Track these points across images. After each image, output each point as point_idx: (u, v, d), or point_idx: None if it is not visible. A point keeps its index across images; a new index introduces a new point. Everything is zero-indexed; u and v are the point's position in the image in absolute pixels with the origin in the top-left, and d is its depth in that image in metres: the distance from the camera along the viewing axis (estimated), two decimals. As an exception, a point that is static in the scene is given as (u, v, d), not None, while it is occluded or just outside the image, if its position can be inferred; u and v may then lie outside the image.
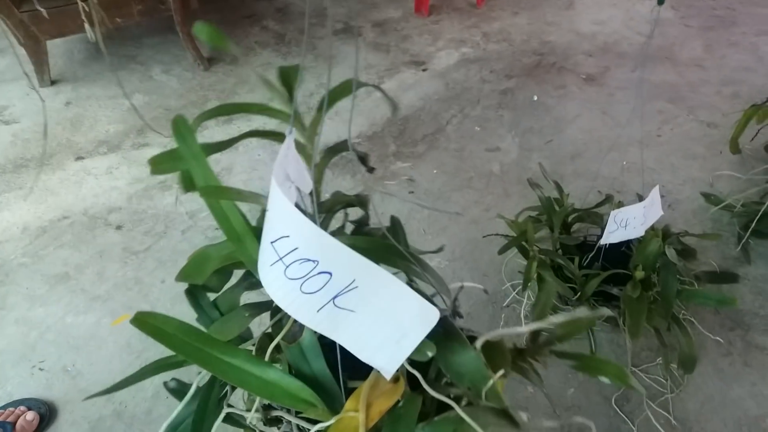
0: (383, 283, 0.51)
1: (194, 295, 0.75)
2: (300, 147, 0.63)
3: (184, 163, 0.60)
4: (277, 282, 0.50)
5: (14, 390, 1.26)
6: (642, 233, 1.19)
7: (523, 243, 1.29)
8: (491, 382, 0.57)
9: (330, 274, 0.49)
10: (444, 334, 0.59)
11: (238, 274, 0.74)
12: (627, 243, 1.28)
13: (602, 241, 1.20)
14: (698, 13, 3.02)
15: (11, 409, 1.18)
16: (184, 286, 0.72)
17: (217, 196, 0.62)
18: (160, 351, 1.29)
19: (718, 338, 1.32)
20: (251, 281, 0.73)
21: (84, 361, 1.32)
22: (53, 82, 2.37)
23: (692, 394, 1.23)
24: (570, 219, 1.40)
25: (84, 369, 1.30)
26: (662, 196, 1.14)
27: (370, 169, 0.80)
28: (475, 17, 3.00)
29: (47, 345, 1.35)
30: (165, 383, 0.78)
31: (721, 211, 1.64)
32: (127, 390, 1.25)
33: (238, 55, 2.57)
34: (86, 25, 1.67)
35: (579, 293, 1.23)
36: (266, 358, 0.66)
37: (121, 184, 1.84)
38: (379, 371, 0.57)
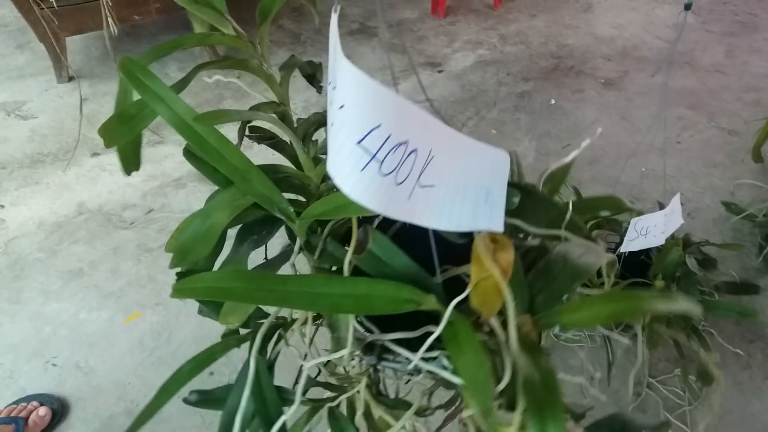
0: (452, 142, 0.48)
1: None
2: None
3: (142, 115, 0.57)
4: (372, 186, 0.45)
5: (27, 385, 1.26)
6: (662, 242, 1.17)
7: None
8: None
9: (415, 151, 0.45)
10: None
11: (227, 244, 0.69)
12: (646, 251, 1.26)
13: (622, 249, 1.18)
14: (719, 18, 2.98)
15: (24, 404, 1.18)
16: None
17: (214, 120, 0.57)
18: (172, 349, 1.30)
19: (738, 350, 1.30)
20: (252, 238, 0.68)
21: (96, 358, 1.32)
22: (70, 79, 2.38)
23: (710, 407, 1.21)
24: (589, 225, 1.38)
25: (96, 366, 1.30)
26: (682, 204, 1.12)
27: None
28: (492, 19, 2.99)
29: (60, 341, 1.35)
30: (184, 399, 0.74)
31: (742, 221, 1.61)
32: (139, 387, 1.24)
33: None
34: (108, 21, 1.66)
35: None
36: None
37: (135, 181, 1.84)
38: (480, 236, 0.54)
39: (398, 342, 0.61)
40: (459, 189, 0.51)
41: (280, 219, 0.65)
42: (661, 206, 1.18)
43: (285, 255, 0.69)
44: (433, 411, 0.72)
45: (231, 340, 0.72)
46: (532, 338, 0.58)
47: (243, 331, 0.72)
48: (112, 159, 1.93)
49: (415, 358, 0.57)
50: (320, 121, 0.83)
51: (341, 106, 0.43)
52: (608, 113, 2.22)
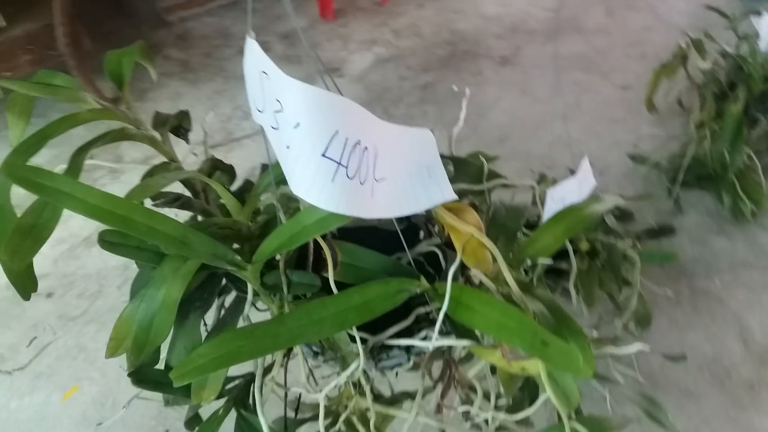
0: (387, 133, 0.50)
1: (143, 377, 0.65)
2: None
3: (44, 221, 0.54)
4: (344, 192, 0.47)
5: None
6: (580, 205, 1.23)
7: (471, 234, 1.32)
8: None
9: (366, 148, 0.47)
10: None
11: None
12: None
13: (544, 219, 1.23)
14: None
15: None
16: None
17: (147, 194, 0.56)
18: (119, 416, 1.24)
19: (667, 291, 1.38)
20: (196, 305, 0.64)
21: (38, 444, 1.24)
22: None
23: (653, 348, 1.29)
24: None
25: (40, 452, 1.23)
26: (591, 164, 1.19)
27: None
28: (382, 15, 3.02)
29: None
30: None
31: (650, 170, 1.71)
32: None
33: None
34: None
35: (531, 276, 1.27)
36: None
37: (43, 249, 1.75)
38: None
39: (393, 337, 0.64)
40: (405, 174, 0.54)
41: (220, 277, 0.64)
42: (572, 172, 1.24)
43: (234, 309, 0.68)
44: (433, 387, 0.75)
45: (218, 414, 0.71)
46: (521, 279, 0.63)
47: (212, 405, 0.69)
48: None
49: (432, 343, 0.59)
50: (212, 167, 0.82)
51: (296, 125, 0.44)
52: (508, 90, 2.30)
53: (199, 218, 0.77)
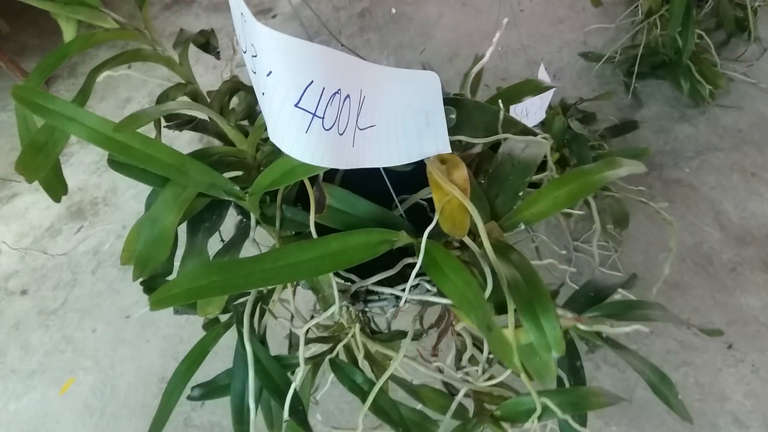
0: (380, 77, 0.48)
1: (154, 285, 0.68)
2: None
3: (54, 140, 0.56)
4: (319, 144, 0.45)
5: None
6: (544, 116, 1.21)
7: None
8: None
9: (349, 96, 0.45)
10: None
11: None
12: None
13: (510, 136, 1.20)
14: None
15: None
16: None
17: (134, 126, 0.55)
18: (121, 401, 1.24)
19: (640, 187, 1.38)
20: (204, 226, 0.67)
21: (47, 442, 1.24)
22: None
23: (634, 246, 1.30)
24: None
25: (50, 450, 1.23)
26: (546, 70, 1.16)
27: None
28: (306, -55, 2.88)
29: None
30: (189, 397, 0.74)
31: (603, 65, 1.68)
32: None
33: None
34: None
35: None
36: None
37: (5, 248, 1.69)
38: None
39: (380, 282, 0.62)
40: (399, 121, 0.52)
41: (228, 200, 0.64)
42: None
43: (242, 233, 0.69)
44: (427, 331, 0.75)
45: (218, 328, 0.73)
46: (503, 242, 0.60)
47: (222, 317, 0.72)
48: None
49: (404, 295, 0.59)
50: (232, 88, 0.80)
51: (269, 73, 0.42)
52: (448, 4, 2.22)
53: (216, 142, 0.77)
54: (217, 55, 0.83)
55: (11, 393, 1.34)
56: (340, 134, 0.46)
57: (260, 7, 2.49)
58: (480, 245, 0.57)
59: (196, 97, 0.78)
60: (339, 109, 0.45)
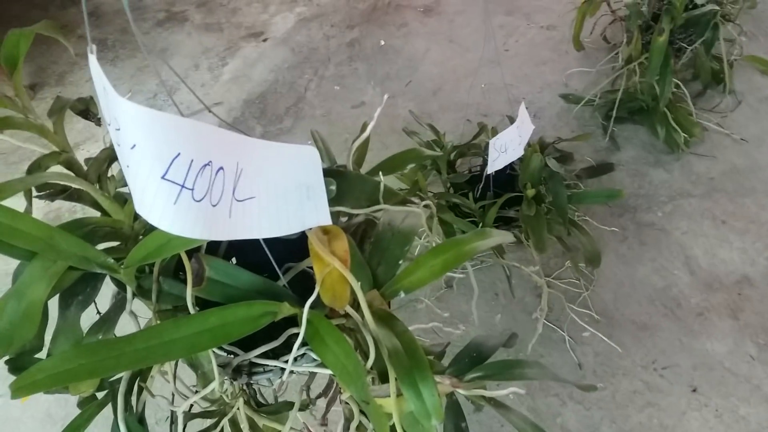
0: (258, 152, 0.48)
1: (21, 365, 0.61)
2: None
3: None
4: (189, 215, 0.44)
5: None
6: (522, 152, 1.23)
7: (418, 192, 1.30)
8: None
9: (222, 168, 0.45)
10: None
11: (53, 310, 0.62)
12: (510, 165, 1.32)
13: (488, 171, 1.22)
14: None
15: None
16: None
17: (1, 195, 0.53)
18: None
19: (613, 228, 1.40)
20: (78, 299, 0.62)
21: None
22: None
23: (605, 285, 1.31)
24: (452, 156, 1.42)
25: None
26: (527, 109, 1.19)
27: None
28: (300, -26, 2.93)
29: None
30: None
31: (582, 108, 1.72)
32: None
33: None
34: None
35: (480, 224, 1.27)
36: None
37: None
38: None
39: (264, 354, 0.61)
40: (279, 193, 0.51)
41: (102, 273, 0.61)
42: (512, 120, 1.24)
43: (118, 305, 0.66)
44: (315, 401, 0.73)
45: (91, 408, 0.69)
46: (384, 310, 0.61)
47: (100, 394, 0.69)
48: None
49: (288, 366, 0.59)
50: (111, 156, 0.76)
51: (132, 146, 0.41)
52: (436, 40, 2.26)
53: (88, 212, 0.72)
54: (98, 122, 0.79)
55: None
56: (213, 205, 0.45)
57: (252, 30, 2.51)
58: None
59: (71, 165, 0.74)
60: (211, 181, 0.44)
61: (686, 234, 1.39)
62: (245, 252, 0.59)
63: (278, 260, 0.61)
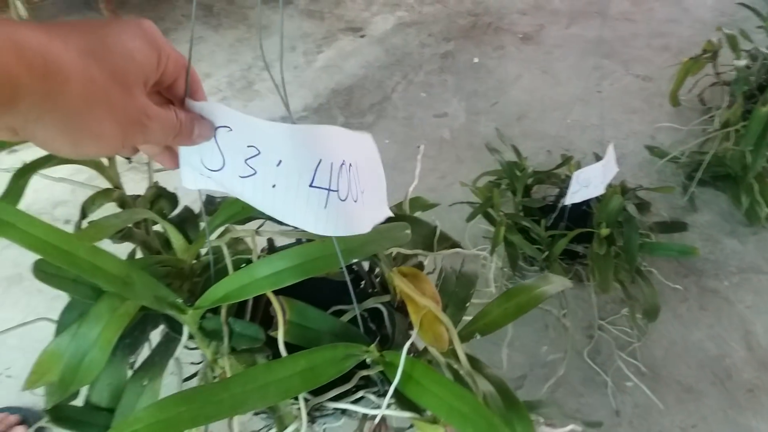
0: (357, 144, 0.49)
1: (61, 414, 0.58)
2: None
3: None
4: (340, 215, 0.47)
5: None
6: (602, 191, 1.23)
7: (489, 209, 1.31)
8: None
9: (351, 165, 0.47)
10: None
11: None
12: (586, 201, 1.32)
13: (566, 201, 1.23)
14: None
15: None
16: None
17: (100, 235, 0.54)
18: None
19: (676, 286, 1.39)
20: (125, 342, 0.60)
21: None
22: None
23: (657, 341, 1.30)
24: (530, 181, 1.42)
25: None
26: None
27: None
28: (407, -21, 2.97)
29: (10, 351, 1.27)
30: None
31: (666, 163, 1.70)
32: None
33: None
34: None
35: (546, 253, 1.27)
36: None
37: (62, 176, 1.73)
38: None
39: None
40: (372, 182, 0.53)
41: (157, 316, 0.60)
42: (598, 158, 1.24)
43: (165, 348, 0.63)
44: None
45: None
46: (469, 354, 0.61)
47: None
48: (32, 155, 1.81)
49: (380, 411, 0.56)
50: (156, 194, 0.76)
51: (278, 163, 0.44)
52: (529, 68, 2.27)
53: (138, 251, 0.73)
54: (128, 160, 0.77)
55: (32, 309, 1.37)
56: (355, 201, 0.48)
57: (352, 24, 2.57)
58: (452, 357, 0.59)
59: (123, 203, 0.74)
60: (348, 179, 0.47)
61: (750, 308, 1.36)
62: (295, 295, 0.59)
63: (323, 303, 0.62)
